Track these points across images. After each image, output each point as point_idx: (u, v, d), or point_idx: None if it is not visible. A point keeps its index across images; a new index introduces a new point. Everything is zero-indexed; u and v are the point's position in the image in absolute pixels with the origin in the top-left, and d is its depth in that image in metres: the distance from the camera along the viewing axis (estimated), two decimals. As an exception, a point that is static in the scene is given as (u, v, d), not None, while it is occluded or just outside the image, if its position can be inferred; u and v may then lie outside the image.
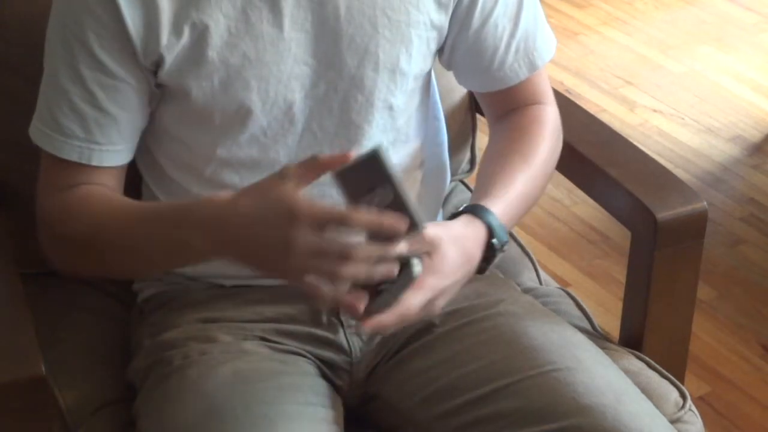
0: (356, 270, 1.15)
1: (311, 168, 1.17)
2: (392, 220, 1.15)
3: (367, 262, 1.15)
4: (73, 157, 1.33)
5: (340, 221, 1.14)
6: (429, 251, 1.23)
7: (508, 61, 1.45)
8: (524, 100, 1.49)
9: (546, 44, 1.48)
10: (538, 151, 1.44)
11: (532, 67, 1.46)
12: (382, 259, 1.16)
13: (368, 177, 1.16)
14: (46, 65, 1.34)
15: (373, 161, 1.15)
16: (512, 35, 1.43)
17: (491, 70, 1.45)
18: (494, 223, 1.33)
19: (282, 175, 1.17)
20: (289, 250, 1.15)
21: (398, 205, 1.16)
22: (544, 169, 1.45)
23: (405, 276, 1.19)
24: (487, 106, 1.53)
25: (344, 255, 1.14)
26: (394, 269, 1.18)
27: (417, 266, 1.20)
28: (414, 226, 1.17)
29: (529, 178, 1.41)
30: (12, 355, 1.25)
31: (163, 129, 1.39)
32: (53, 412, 1.36)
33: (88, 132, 1.32)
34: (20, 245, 1.48)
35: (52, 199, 1.35)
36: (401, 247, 1.17)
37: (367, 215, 1.15)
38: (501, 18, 1.42)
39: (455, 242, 1.28)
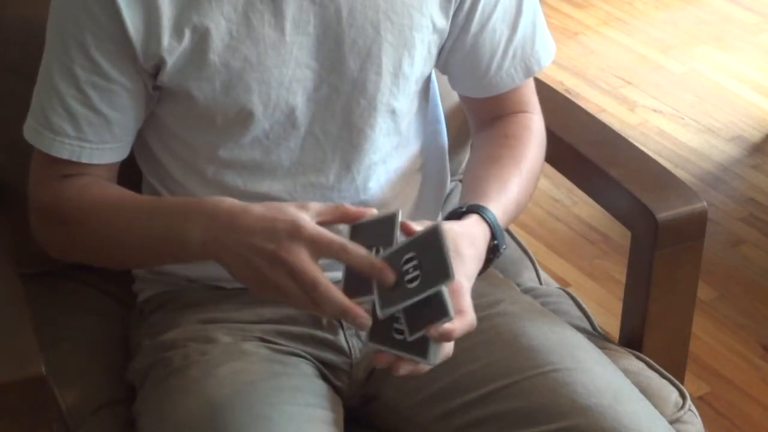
0: (317, 309, 1.18)
1: (333, 213, 1.20)
2: (384, 269, 1.16)
3: (331, 307, 1.17)
4: (64, 155, 1.32)
5: (338, 252, 1.16)
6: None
7: (505, 66, 1.44)
8: (512, 108, 1.48)
9: (544, 50, 1.47)
10: (529, 157, 1.44)
11: (529, 72, 1.46)
12: (344, 313, 1.17)
13: (375, 233, 1.20)
14: (43, 62, 1.33)
15: (389, 221, 1.19)
16: (510, 40, 1.43)
17: (488, 75, 1.45)
18: (496, 226, 1.33)
19: (303, 205, 1.20)
20: (272, 260, 1.17)
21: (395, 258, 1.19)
22: (534, 176, 1.45)
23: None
24: (474, 112, 1.53)
25: (312, 286, 1.16)
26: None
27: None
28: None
29: (521, 185, 1.41)
30: (12, 355, 1.25)
31: (164, 127, 1.38)
32: (53, 412, 1.36)
33: (79, 131, 1.32)
34: (20, 245, 1.48)
35: (45, 189, 1.35)
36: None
37: (364, 256, 1.16)
38: (499, 23, 1.42)
39: (472, 243, 1.28)
